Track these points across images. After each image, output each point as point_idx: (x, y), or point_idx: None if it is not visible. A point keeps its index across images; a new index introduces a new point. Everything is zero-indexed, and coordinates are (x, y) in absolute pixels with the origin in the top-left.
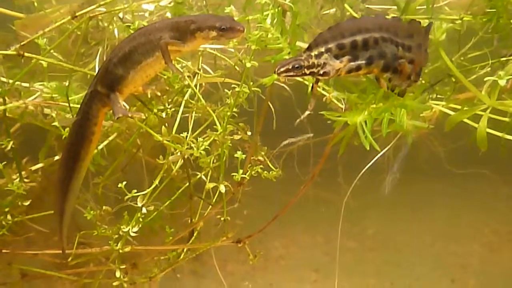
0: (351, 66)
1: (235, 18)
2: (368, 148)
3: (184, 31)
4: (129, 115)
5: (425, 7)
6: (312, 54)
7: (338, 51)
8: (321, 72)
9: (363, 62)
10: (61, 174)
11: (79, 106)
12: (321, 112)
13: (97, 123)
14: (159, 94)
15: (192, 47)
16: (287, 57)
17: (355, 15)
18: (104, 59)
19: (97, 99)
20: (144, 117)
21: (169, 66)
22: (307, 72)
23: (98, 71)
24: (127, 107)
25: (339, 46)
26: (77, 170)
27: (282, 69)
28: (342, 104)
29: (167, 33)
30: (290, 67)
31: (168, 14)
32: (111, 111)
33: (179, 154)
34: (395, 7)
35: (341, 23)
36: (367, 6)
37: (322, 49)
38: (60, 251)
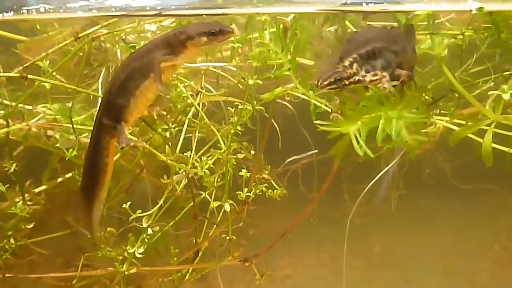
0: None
1: (237, 37)
2: (362, 154)
3: (175, 44)
4: (131, 144)
5: (426, 23)
6: (346, 64)
7: (361, 60)
8: (356, 79)
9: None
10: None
11: (82, 127)
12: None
13: (108, 154)
14: (164, 113)
15: (186, 58)
16: (287, 73)
17: None
18: (108, 79)
19: (105, 131)
20: (147, 143)
21: (156, 83)
22: (347, 83)
23: (101, 103)
24: (133, 139)
25: (360, 56)
26: (96, 199)
27: (325, 83)
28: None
29: (159, 52)
30: (333, 80)
31: None
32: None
33: (183, 173)
34: (396, 23)
35: (353, 36)
36: (368, 22)
37: (351, 59)
38: (63, 274)
